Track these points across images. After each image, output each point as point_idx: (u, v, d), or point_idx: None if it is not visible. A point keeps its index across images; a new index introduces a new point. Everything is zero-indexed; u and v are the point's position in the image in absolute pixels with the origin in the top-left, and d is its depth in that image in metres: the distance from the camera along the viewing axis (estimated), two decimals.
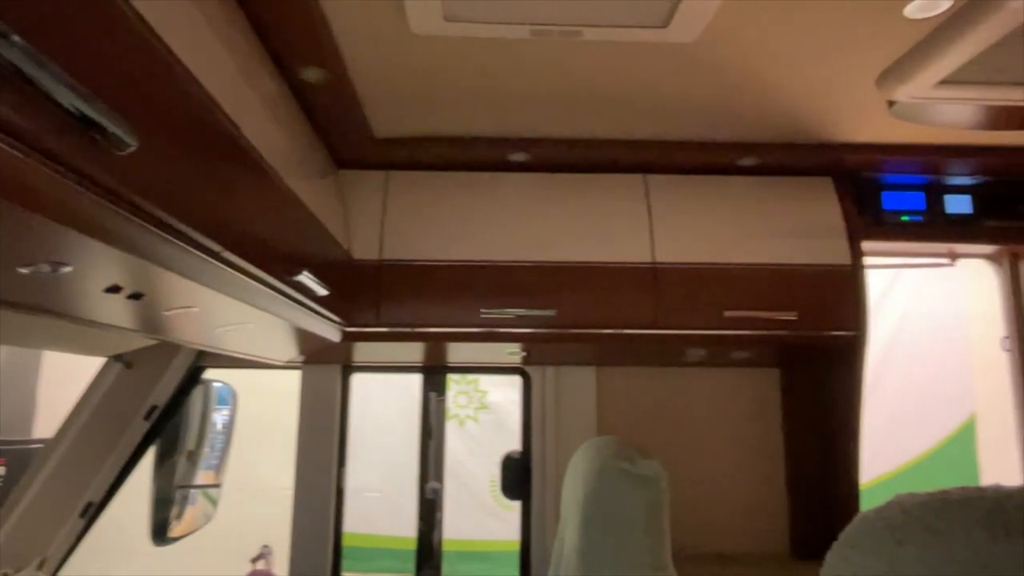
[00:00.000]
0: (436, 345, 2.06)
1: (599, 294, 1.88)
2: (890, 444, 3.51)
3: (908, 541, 0.45)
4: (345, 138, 1.82)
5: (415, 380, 2.38)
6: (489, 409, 4.03)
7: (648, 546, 1.23)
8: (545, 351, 2.15)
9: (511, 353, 2.13)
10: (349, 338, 1.87)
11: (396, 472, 2.93)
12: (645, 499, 1.23)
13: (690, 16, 1.27)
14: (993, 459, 2.67)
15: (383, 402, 3.64)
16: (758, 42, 1.41)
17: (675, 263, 1.90)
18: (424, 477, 2.31)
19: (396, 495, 3.19)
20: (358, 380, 2.29)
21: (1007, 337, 2.26)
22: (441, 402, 2.37)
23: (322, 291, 1.42)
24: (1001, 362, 2.29)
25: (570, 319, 1.87)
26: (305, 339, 1.74)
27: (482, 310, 1.85)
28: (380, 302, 1.86)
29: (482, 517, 3.91)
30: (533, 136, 1.90)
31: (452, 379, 4.10)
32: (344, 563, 2.21)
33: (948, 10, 1.27)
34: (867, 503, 3.55)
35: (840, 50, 1.45)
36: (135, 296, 0.95)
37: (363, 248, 1.89)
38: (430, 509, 2.28)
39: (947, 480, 3.52)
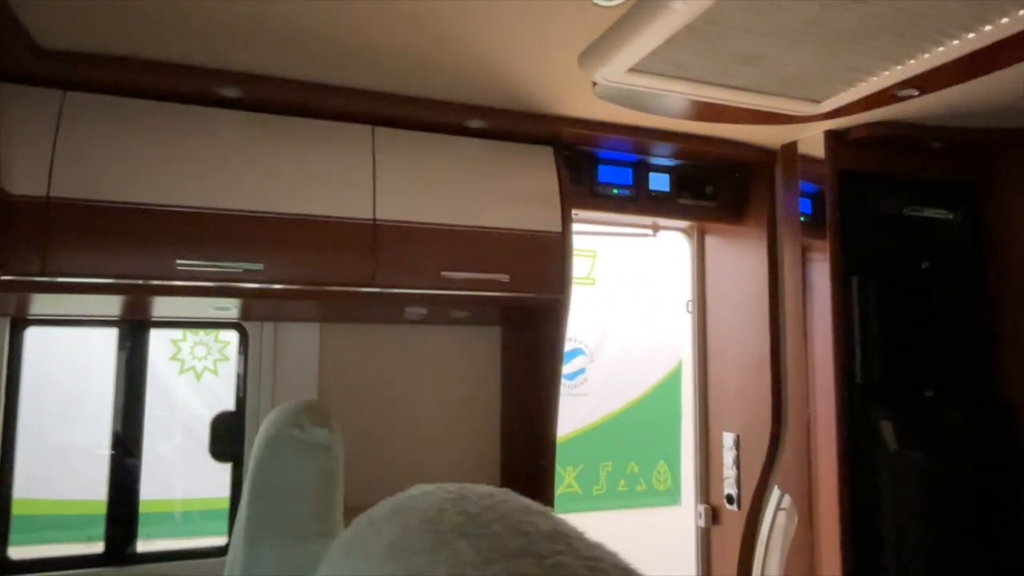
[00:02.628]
0: (135, 297, 1.83)
1: (314, 249, 1.80)
2: (621, 385, 3.95)
3: (352, 552, 0.45)
4: None
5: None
6: (230, 360, 3.76)
7: (316, 513, 1.21)
8: (263, 306, 2.02)
9: (220, 308, 1.97)
10: (4, 289, 1.58)
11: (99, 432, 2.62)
12: (315, 466, 1.20)
13: None
14: (688, 399, 3.11)
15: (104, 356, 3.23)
16: (470, 5, 1.39)
17: (396, 221, 1.87)
18: (120, 438, 2.07)
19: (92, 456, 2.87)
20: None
21: (690, 300, 2.61)
22: (141, 358, 2.13)
23: None
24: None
25: (281, 274, 1.76)
26: None
27: (178, 261, 1.66)
28: (47, 247, 1.59)
29: (220, 474, 3.69)
30: (248, 71, 1.72)
31: (190, 329, 3.75)
32: (14, 536, 1.94)
33: (626, 2, 1.35)
34: (595, 440, 3.98)
35: (542, 26, 1.49)
36: None
37: (24, 182, 1.58)
38: (125, 471, 2.06)
39: (659, 415, 4.07)
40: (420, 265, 1.88)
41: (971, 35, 1.45)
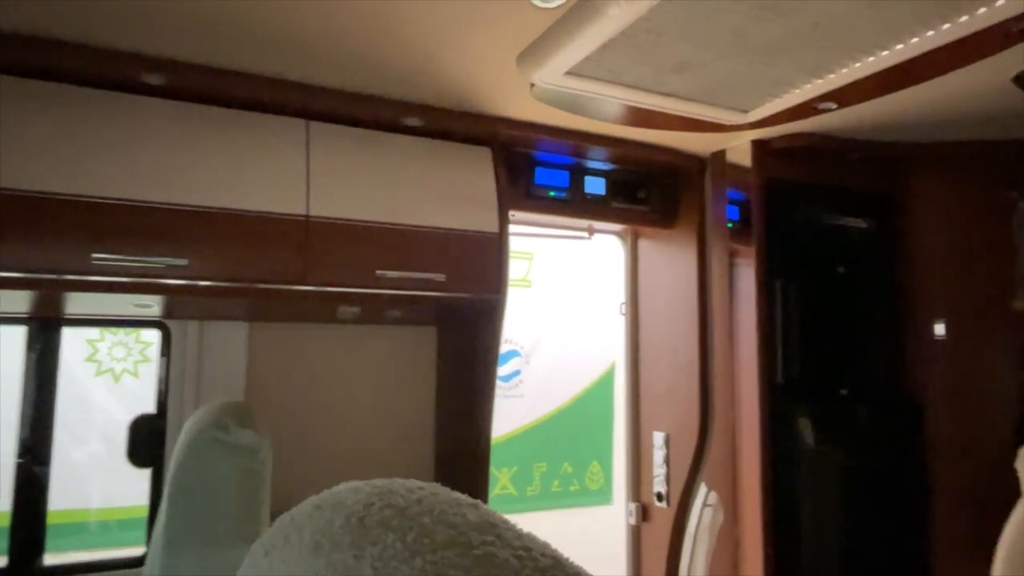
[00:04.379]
0: (45, 293, 1.72)
1: (243, 245, 1.74)
2: (556, 387, 3.99)
3: (272, 551, 0.44)
4: None
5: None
6: (152, 362, 3.59)
7: (239, 517, 1.17)
8: (188, 304, 1.94)
9: (142, 306, 1.88)
10: None
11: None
12: (238, 468, 1.17)
13: None
14: (621, 400, 3.17)
15: None
16: (408, 2, 1.38)
17: (330, 218, 1.83)
18: (27, 446, 1.94)
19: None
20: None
21: (624, 303, 2.67)
22: (52, 359, 2.00)
23: None
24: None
25: (207, 271, 1.70)
26: None
27: (93, 255, 1.57)
28: None
29: (140, 481, 3.51)
30: (174, 58, 1.65)
31: (108, 329, 3.56)
32: None
33: (564, 4, 1.37)
34: (529, 442, 4.00)
35: (482, 25, 1.49)
36: None
37: None
38: (32, 480, 1.94)
39: (592, 416, 4.14)
40: (354, 263, 1.85)
41: (885, 52, 1.54)
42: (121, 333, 3.54)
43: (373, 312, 2.11)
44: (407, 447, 2.29)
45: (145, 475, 3.43)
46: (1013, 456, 1.57)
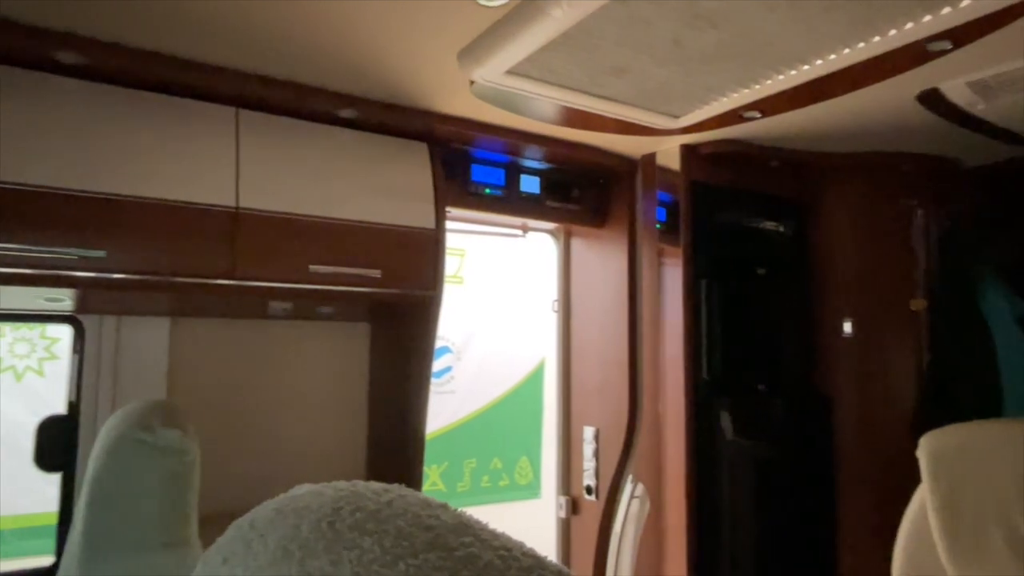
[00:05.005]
0: None
1: (167, 236, 1.65)
2: (486, 384, 3.99)
3: (232, 558, 0.42)
4: None
5: None
6: (61, 359, 3.36)
7: (165, 521, 1.12)
8: (104, 298, 1.83)
9: (52, 300, 1.76)
10: None
11: None
12: (164, 471, 1.12)
13: None
14: (552, 394, 3.21)
15: None
16: None
17: (261, 210, 1.77)
18: None
19: None
20: None
21: (556, 300, 2.71)
22: None
23: None
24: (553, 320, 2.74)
25: (126, 263, 1.60)
26: None
27: None
28: None
29: (48, 487, 3.29)
30: (91, 35, 1.55)
31: (9, 323, 3.31)
32: None
33: (508, 3, 1.38)
34: (460, 438, 4.00)
35: (423, 20, 1.48)
36: None
37: None
38: None
39: (522, 412, 4.18)
40: (286, 258, 1.79)
41: (806, 67, 1.63)
42: (24, 328, 3.30)
43: (305, 308, 2.05)
44: (339, 445, 2.24)
45: (52, 480, 3.23)
46: (911, 445, 1.70)
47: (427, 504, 0.41)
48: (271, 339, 2.15)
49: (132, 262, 1.61)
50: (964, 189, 2.60)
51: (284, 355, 2.18)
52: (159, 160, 1.67)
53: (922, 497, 1.50)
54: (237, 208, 1.74)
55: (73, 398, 1.93)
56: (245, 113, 1.82)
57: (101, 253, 1.56)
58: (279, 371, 2.16)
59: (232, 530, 0.46)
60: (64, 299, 1.77)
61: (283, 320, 2.15)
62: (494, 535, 0.37)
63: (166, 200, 1.65)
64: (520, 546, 0.37)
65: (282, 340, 2.17)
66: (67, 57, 1.56)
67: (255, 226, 1.76)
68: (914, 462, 1.64)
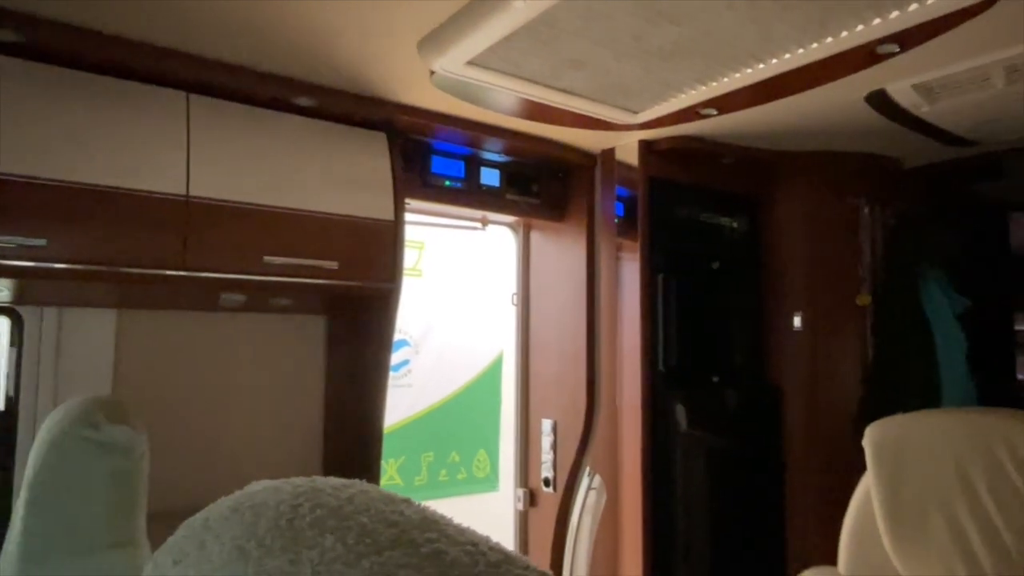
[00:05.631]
0: None
1: (113, 225, 1.59)
2: (444, 377, 3.97)
3: (184, 559, 0.41)
4: None
5: None
6: None
7: (112, 522, 1.08)
8: (46, 289, 1.75)
9: None
10: None
11: None
12: (109, 469, 1.07)
13: None
14: (510, 387, 3.21)
15: None
16: None
17: (213, 199, 1.72)
18: None
19: None
20: None
21: (515, 293, 2.71)
22: None
23: None
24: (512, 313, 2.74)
25: (69, 253, 1.54)
26: None
27: None
28: None
29: None
30: (32, 13, 1.47)
31: None
32: None
33: None
34: (417, 432, 3.98)
35: (383, 7, 1.45)
36: None
37: None
38: None
39: (480, 404, 4.18)
40: (239, 248, 1.74)
41: (761, 65, 1.66)
42: None
43: (259, 300, 2.00)
44: (294, 441, 2.20)
45: None
46: (856, 435, 1.76)
47: (390, 500, 0.40)
48: (223, 332, 2.09)
49: (75, 251, 1.55)
50: (905, 188, 2.70)
51: (237, 348, 2.12)
52: (105, 145, 1.60)
53: (867, 484, 1.55)
54: (188, 196, 1.68)
55: (11, 393, 1.84)
56: (196, 98, 1.76)
57: (42, 241, 1.49)
58: (231, 365, 2.10)
59: (184, 529, 0.44)
60: (2, 290, 1.69)
61: (236, 312, 2.09)
62: (460, 530, 0.36)
63: (112, 187, 1.58)
64: (486, 540, 0.36)
65: (235, 333, 2.11)
66: (3, 35, 1.49)
67: (207, 215, 1.70)
68: (858, 450, 1.70)
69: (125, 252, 1.61)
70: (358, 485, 0.43)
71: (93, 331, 1.89)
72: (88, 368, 1.87)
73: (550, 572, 0.34)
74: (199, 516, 0.43)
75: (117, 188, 1.59)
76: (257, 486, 0.45)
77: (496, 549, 0.35)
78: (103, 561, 1.07)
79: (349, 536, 0.35)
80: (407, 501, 0.40)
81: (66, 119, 1.56)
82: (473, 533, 0.37)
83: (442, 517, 0.39)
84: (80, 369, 1.86)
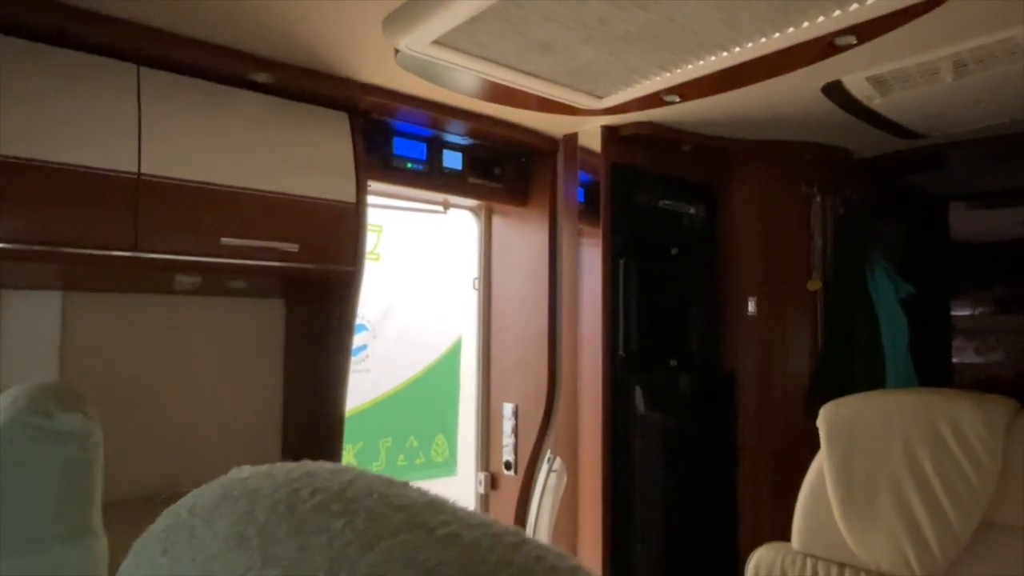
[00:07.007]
0: None
1: (59, 204, 1.52)
2: (403, 362, 3.93)
3: (172, 548, 0.39)
4: None
5: None
6: None
7: (65, 513, 1.03)
8: None
9: None
10: None
11: None
12: (62, 458, 1.03)
13: None
14: (469, 371, 3.21)
15: None
16: None
17: (166, 177, 1.65)
18: None
19: None
20: None
21: (477, 278, 2.70)
22: None
23: None
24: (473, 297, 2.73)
25: (11, 232, 1.46)
26: None
27: None
28: None
29: None
30: None
31: None
32: None
33: None
34: (375, 417, 3.95)
35: None
36: None
37: None
38: None
39: (438, 389, 4.17)
40: (195, 229, 1.69)
41: (724, 53, 1.69)
42: None
43: (215, 283, 1.94)
44: (252, 427, 2.14)
45: None
46: (806, 415, 1.83)
47: (390, 483, 0.39)
48: (177, 316, 2.01)
49: (18, 230, 1.47)
50: (855, 179, 2.79)
51: (191, 332, 2.05)
52: (49, 119, 1.51)
53: (820, 463, 1.61)
54: (139, 174, 1.61)
55: None
56: (148, 71, 1.68)
57: None
58: (185, 350, 2.03)
59: (167, 517, 0.42)
60: None
61: (191, 295, 2.02)
62: (469, 513, 0.36)
63: (57, 163, 1.51)
64: (497, 523, 0.35)
65: (189, 317, 2.04)
66: None
67: (159, 194, 1.64)
68: (808, 430, 1.76)
69: (71, 232, 1.53)
70: (354, 469, 0.42)
71: (37, 315, 1.80)
72: (32, 353, 1.78)
73: (569, 553, 0.34)
74: (183, 503, 0.42)
75: (63, 164, 1.51)
76: (242, 472, 0.43)
77: (511, 531, 0.34)
78: (58, 554, 1.03)
79: (358, 520, 0.34)
80: (407, 484, 0.39)
81: (5, 90, 1.47)
82: (483, 516, 0.36)
83: (446, 500, 0.38)
84: (23, 354, 1.77)
